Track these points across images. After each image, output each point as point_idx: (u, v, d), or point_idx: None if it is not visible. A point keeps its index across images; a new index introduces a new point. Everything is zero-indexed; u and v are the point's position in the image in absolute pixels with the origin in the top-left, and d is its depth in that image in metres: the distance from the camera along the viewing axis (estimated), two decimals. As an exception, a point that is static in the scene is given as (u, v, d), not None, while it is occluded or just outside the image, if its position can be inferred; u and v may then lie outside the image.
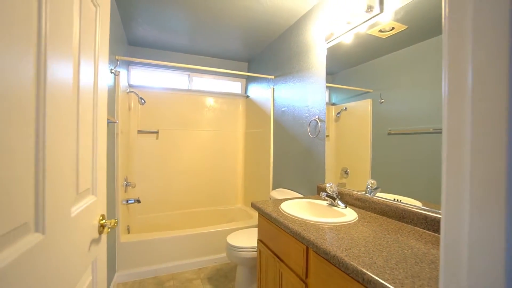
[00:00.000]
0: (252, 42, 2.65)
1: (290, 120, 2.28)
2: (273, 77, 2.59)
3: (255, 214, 2.87)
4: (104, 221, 0.83)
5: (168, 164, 2.91)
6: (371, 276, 0.70)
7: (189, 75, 3.03)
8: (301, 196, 1.90)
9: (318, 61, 1.90)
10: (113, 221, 0.83)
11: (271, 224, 1.34)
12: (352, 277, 0.78)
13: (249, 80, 3.25)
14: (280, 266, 1.24)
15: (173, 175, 2.93)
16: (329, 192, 1.43)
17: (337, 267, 0.84)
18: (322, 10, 1.87)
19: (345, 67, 1.65)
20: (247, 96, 3.24)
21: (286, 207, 1.39)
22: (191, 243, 2.29)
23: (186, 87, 3.02)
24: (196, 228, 2.38)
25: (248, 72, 3.26)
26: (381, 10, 1.38)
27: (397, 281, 0.66)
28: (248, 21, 2.21)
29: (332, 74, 1.77)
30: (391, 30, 1.33)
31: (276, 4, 1.94)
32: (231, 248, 1.84)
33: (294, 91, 2.22)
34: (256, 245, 1.80)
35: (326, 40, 1.79)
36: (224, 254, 2.40)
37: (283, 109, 2.41)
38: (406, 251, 0.85)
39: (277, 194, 2.21)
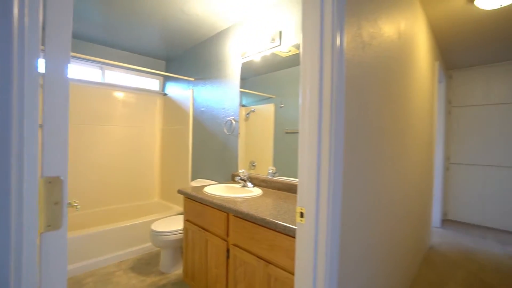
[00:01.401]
0: (172, 43, 2.82)
1: (209, 119, 2.61)
2: (193, 79, 2.85)
3: (173, 205, 3.05)
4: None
5: (81, 160, 2.71)
6: (269, 219, 1.14)
7: (102, 67, 2.88)
8: (217, 182, 2.27)
9: (234, 71, 2.31)
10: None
11: (197, 203, 1.65)
12: (259, 224, 1.21)
13: (167, 78, 3.36)
14: (206, 235, 1.58)
15: (86, 172, 2.75)
16: (242, 177, 1.86)
17: (249, 221, 1.26)
18: (238, 31, 2.28)
19: (255, 74, 2.11)
20: (165, 94, 3.35)
21: (209, 190, 1.73)
22: (109, 238, 2.29)
23: (98, 80, 2.86)
24: (114, 223, 2.38)
25: (167, 71, 3.37)
26: (280, 43, 1.91)
27: (280, 219, 1.13)
28: (170, 26, 2.40)
29: (244, 79, 2.21)
30: (289, 52, 1.86)
31: (199, 17, 2.23)
32: (156, 234, 2.02)
33: (213, 94, 2.56)
34: (179, 228, 2.06)
35: (241, 56, 2.22)
36: (145, 245, 2.50)
37: (202, 109, 2.71)
38: (290, 206, 1.36)
39: (197, 184, 2.51)
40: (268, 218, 1.15)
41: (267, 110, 2.00)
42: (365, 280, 1.19)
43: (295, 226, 0.89)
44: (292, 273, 1.03)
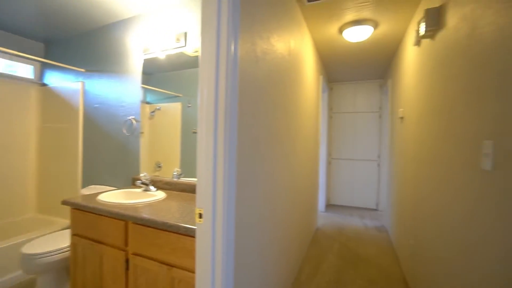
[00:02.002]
0: (54, 22, 2.34)
1: (104, 117, 2.31)
2: (83, 70, 2.45)
3: (57, 219, 2.55)
4: None
5: None
6: (171, 223, 1.15)
7: None
8: (116, 188, 2.06)
9: (135, 67, 2.14)
10: None
11: (89, 214, 1.46)
12: (161, 229, 1.19)
13: (47, 65, 2.76)
14: (100, 248, 1.42)
15: None
16: (144, 180, 1.76)
17: (151, 227, 1.22)
18: (141, 25, 2.12)
19: (161, 71, 2.01)
20: (43, 84, 2.74)
21: (104, 197, 1.56)
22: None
23: None
24: (-41, 252, 1.79)
25: (47, 56, 2.76)
26: (185, 44, 1.91)
27: (182, 221, 1.16)
28: (55, 2, 2.00)
29: (148, 74, 2.08)
30: (195, 52, 1.87)
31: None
32: (30, 258, 1.66)
33: (110, 89, 2.29)
34: (64, 246, 1.77)
35: (143, 52, 2.08)
36: (12, 275, 1.99)
37: (96, 105, 2.38)
38: (193, 208, 1.39)
39: (90, 191, 2.19)
40: (170, 222, 1.16)
41: (174, 109, 1.96)
42: (261, 269, 1.37)
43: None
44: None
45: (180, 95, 1.94)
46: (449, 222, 1.32)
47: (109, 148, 2.27)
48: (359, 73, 4.12)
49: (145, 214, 1.27)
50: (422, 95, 1.90)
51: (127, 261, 1.32)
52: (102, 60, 2.35)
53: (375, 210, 4.45)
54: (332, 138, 4.76)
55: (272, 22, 1.43)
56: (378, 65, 3.69)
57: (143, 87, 2.09)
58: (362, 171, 4.56)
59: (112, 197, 1.67)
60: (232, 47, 0.91)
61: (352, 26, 2.42)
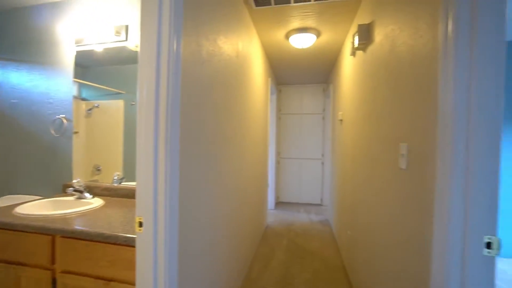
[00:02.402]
0: (-48, 1, 1.91)
1: (26, 115, 1.99)
2: (-6, 58, 2.06)
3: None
4: None
5: None
6: (108, 233, 1.05)
7: None
8: (42, 197, 1.79)
9: (66, 59, 1.89)
10: None
11: (2, 232, 1.24)
12: (96, 241, 1.08)
13: None
14: (17, 271, 1.22)
15: None
16: (77, 187, 1.58)
17: (85, 239, 1.10)
18: (74, 12, 1.88)
19: (99, 64, 1.82)
20: None
21: (24, 209, 1.35)
22: None
23: None
24: None
25: None
26: (126, 39, 1.76)
27: (122, 231, 1.07)
28: None
29: (84, 68, 1.85)
30: (138, 47, 1.74)
31: (3, -22, 1.65)
32: None
33: (33, 83, 1.98)
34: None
35: (76, 43, 1.85)
36: None
37: (13, 101, 2.03)
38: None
39: (5, 202, 1.86)
40: (107, 232, 1.06)
41: (116, 106, 1.79)
42: (211, 271, 1.35)
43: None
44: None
45: (123, 92, 1.79)
46: (376, 213, 1.51)
47: (32, 152, 1.96)
48: (305, 77, 4.39)
49: (78, 226, 1.13)
50: (357, 101, 2.12)
51: (54, 281, 1.17)
52: (22, 47, 2.01)
53: (320, 205, 4.80)
54: (281, 138, 4.96)
55: (219, 24, 1.42)
56: (322, 70, 3.99)
57: (76, 82, 1.86)
58: (308, 169, 4.87)
59: (35, 208, 1.45)
60: (175, 45, 0.88)
61: (297, 33, 2.56)
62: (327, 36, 2.70)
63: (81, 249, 1.11)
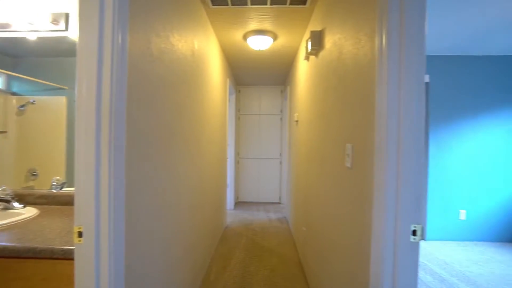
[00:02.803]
0: None
1: None
2: None
3: None
4: None
5: None
6: (41, 246, 0.94)
7: None
8: (-42, 210, 1.51)
9: (-14, 47, 1.62)
10: None
11: None
12: (26, 257, 0.95)
13: None
14: None
15: None
16: (2, 196, 1.37)
17: (11, 257, 0.96)
18: (-7, -9, 1.62)
19: (35, 55, 1.60)
20: None
21: None
22: None
23: None
24: None
25: None
26: (66, 28, 1.58)
27: (59, 243, 0.97)
28: None
29: (15, 57, 1.61)
30: None
31: None
32: None
33: None
34: None
35: (1, 27, 1.59)
36: None
37: None
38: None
39: None
40: (40, 246, 0.94)
41: (57, 103, 1.59)
42: (164, 277, 1.29)
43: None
44: (76, 300, 0.92)
45: (65, 87, 1.60)
46: (326, 209, 1.61)
47: None
48: (264, 78, 4.48)
49: (2, 241, 0.98)
50: (310, 103, 2.24)
51: (-29, 306, 0.99)
52: None
53: (279, 203, 4.95)
54: (240, 139, 4.99)
55: (173, 21, 1.37)
56: (279, 72, 4.11)
57: (3, 73, 1.61)
58: (267, 169, 4.98)
59: None
60: (119, 38, 0.82)
61: (255, 34, 2.60)
62: (283, 40, 2.79)
63: (8, 267, 0.97)
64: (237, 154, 4.92)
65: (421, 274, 2.37)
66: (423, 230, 0.85)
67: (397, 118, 0.86)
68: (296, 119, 3.06)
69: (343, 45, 1.34)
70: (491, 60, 3.15)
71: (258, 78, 4.50)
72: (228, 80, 3.54)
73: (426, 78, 3.12)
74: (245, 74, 4.23)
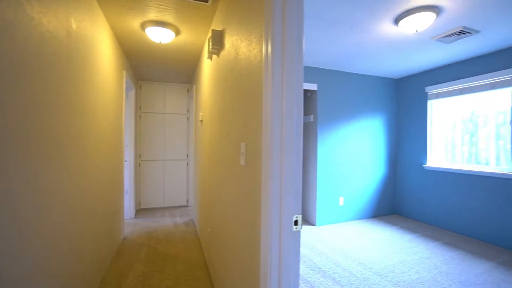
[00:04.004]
0: None
1: None
2: None
3: None
4: None
5: None
6: None
7: None
8: None
9: None
10: None
11: None
12: None
13: None
14: None
15: None
16: None
17: None
18: None
19: None
20: None
21: None
22: None
23: None
24: None
25: None
26: None
27: None
28: None
29: None
30: None
31: None
32: None
33: None
34: None
35: None
36: None
37: None
38: None
39: None
40: None
41: None
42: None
43: None
44: None
45: None
46: (226, 207, 1.63)
47: None
48: (169, 75, 4.20)
49: None
50: (213, 102, 2.23)
51: None
52: None
53: (186, 206, 4.75)
54: (142, 139, 4.51)
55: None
56: (185, 70, 3.95)
57: None
58: (173, 171, 4.70)
59: None
60: None
61: (154, 25, 2.39)
62: (187, 36, 2.68)
63: None
64: (138, 156, 4.43)
65: (310, 253, 2.75)
66: (302, 220, 0.96)
67: (281, 121, 0.94)
68: (200, 118, 3.01)
69: (239, 46, 1.39)
70: (358, 77, 4.00)
71: (162, 75, 4.19)
72: (124, 72, 3.13)
73: (314, 87, 3.66)
74: (147, 68, 3.85)
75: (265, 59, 0.97)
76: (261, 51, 1.05)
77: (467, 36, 2.60)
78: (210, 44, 1.99)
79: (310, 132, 3.85)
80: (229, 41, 1.64)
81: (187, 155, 4.77)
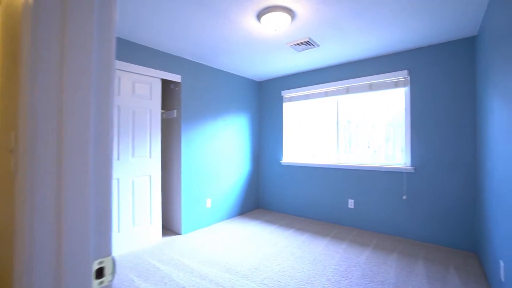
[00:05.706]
0: None
1: None
2: None
3: None
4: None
5: None
6: None
7: None
8: None
9: None
10: None
11: None
12: None
13: None
14: None
15: None
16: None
17: None
18: None
19: None
20: None
21: None
22: None
23: None
24: None
25: None
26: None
27: None
28: None
29: None
30: None
31: None
32: None
33: None
34: None
35: None
36: None
37: None
38: None
39: None
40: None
41: None
42: None
43: None
44: None
45: None
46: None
47: None
48: None
49: None
50: None
51: None
52: None
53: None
54: None
55: None
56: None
57: None
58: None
59: None
60: None
61: None
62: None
63: None
64: None
65: (173, 272, 2.32)
66: (114, 263, 0.54)
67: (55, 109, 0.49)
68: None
69: None
70: (225, 74, 3.93)
71: None
72: None
73: (178, 78, 3.23)
74: None
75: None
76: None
77: (311, 48, 3.00)
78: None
79: (173, 130, 3.39)
80: None
81: None
